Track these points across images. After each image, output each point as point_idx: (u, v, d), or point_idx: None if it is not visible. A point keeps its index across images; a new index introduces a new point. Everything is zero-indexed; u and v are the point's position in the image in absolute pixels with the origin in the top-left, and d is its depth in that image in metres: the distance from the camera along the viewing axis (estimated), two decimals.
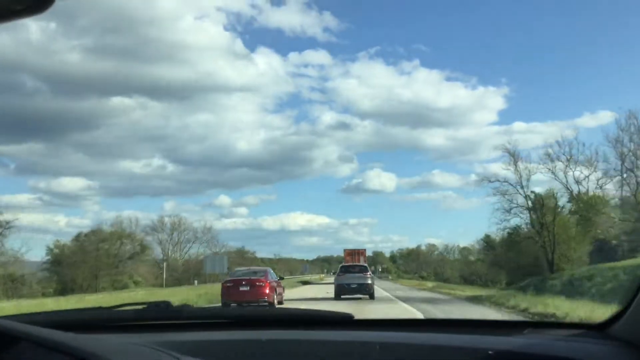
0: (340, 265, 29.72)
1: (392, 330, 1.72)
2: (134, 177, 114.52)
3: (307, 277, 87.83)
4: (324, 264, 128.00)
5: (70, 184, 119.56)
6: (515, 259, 47.07)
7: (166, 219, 70.08)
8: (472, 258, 76.80)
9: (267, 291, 19.24)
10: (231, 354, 1.45)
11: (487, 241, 64.63)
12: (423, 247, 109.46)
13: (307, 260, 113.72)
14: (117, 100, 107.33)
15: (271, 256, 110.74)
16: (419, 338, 1.60)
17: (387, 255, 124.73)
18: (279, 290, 20.88)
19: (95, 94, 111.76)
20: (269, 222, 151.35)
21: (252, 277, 19.94)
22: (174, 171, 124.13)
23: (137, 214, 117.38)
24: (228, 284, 20.00)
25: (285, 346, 1.52)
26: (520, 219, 47.01)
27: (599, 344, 1.48)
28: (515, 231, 47.81)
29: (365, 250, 68.24)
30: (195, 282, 55.75)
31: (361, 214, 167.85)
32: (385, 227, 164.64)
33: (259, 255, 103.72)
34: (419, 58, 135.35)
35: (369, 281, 24.75)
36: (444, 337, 1.60)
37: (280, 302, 20.23)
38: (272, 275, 21.02)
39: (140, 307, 1.77)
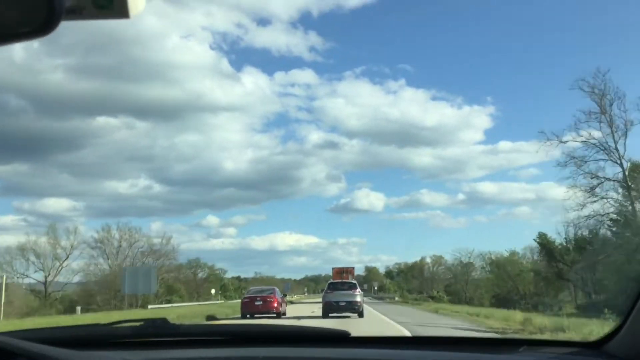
0: (329, 282, 28.78)
1: (387, 348, 1.72)
2: (120, 198, 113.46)
3: (288, 297, 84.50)
4: (310, 283, 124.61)
5: (56, 204, 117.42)
6: (612, 262, 30.02)
7: (114, 230, 61.76)
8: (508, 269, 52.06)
9: (275, 305, 25.73)
10: None
11: (545, 243, 43.71)
12: (428, 260, 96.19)
13: (291, 279, 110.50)
14: (102, 120, 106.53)
15: (252, 275, 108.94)
16: (414, 356, 1.60)
17: (382, 271, 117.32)
18: (283, 304, 27.67)
19: (80, 114, 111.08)
20: (258, 242, 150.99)
21: (264, 294, 26.64)
22: (161, 191, 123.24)
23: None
24: (246, 300, 26.63)
25: None
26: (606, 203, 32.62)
27: None
28: (610, 222, 32.96)
29: (353, 268, 68.43)
30: (78, 309, 40.15)
31: (350, 233, 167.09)
32: (374, 246, 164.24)
33: (244, 274, 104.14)
34: (405, 77, 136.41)
35: (358, 299, 24.17)
36: (440, 354, 1.60)
37: (284, 313, 26.66)
38: (278, 293, 27.65)
39: (137, 324, 1.76)
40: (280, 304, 26.30)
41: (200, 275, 79.05)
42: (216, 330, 1.86)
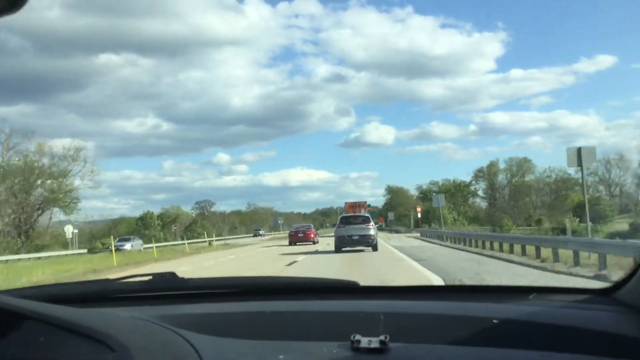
0: (341, 216, 28.72)
1: (397, 299, 1.72)
2: (129, 137, 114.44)
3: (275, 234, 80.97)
4: (319, 217, 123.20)
5: (66, 145, 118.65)
6: None
7: None
8: None
9: (312, 236, 37.51)
10: (235, 327, 1.45)
11: None
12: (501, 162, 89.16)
13: (277, 214, 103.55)
14: (104, 58, 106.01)
15: (243, 208, 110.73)
16: (423, 306, 1.60)
17: (414, 193, 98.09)
18: (317, 236, 38.85)
19: (81, 52, 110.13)
20: (270, 179, 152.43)
21: (304, 229, 39.20)
22: (169, 130, 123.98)
23: (135, 174, 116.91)
24: (292, 233, 39.07)
25: (288, 319, 1.53)
26: None
27: (604, 309, 1.48)
28: None
29: (365, 202, 69.14)
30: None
31: (362, 167, 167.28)
32: (387, 180, 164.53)
33: (223, 208, 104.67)
34: (412, 4, 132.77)
35: (372, 232, 23.98)
36: (448, 305, 1.60)
37: (317, 242, 36.66)
38: (313, 228, 40.60)
39: (145, 278, 1.77)
40: (315, 235, 38.35)
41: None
42: (225, 283, 1.87)
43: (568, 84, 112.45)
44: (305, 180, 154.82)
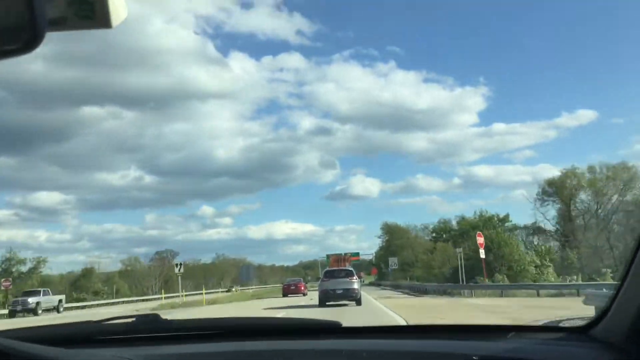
0: (325, 270, 28.69)
1: (379, 338, 1.75)
2: (112, 190, 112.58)
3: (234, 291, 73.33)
4: (301, 270, 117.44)
5: (47, 198, 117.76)
6: None
7: None
8: None
9: (302, 288, 42.75)
10: None
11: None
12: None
13: (251, 263, 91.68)
14: (87, 110, 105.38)
15: (210, 260, 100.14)
16: (405, 345, 1.62)
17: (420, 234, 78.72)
18: (305, 289, 43.29)
19: (64, 104, 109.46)
20: (254, 231, 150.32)
21: (295, 282, 45.27)
22: (152, 182, 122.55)
23: (117, 227, 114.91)
24: (285, 286, 44.42)
25: (272, 357, 1.54)
26: None
27: (581, 346, 1.51)
28: None
29: (349, 255, 68.95)
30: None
31: (347, 220, 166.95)
32: (373, 233, 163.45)
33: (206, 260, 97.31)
34: (395, 59, 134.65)
35: (355, 286, 23.82)
36: (430, 343, 1.63)
37: (306, 294, 40.52)
38: (302, 281, 47.40)
39: (128, 320, 1.78)
40: (305, 288, 43.35)
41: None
42: (207, 324, 1.87)
43: (551, 137, 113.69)
44: (290, 234, 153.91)
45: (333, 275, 24.99)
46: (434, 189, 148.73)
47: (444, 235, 64.03)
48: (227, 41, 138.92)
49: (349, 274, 24.72)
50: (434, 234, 69.60)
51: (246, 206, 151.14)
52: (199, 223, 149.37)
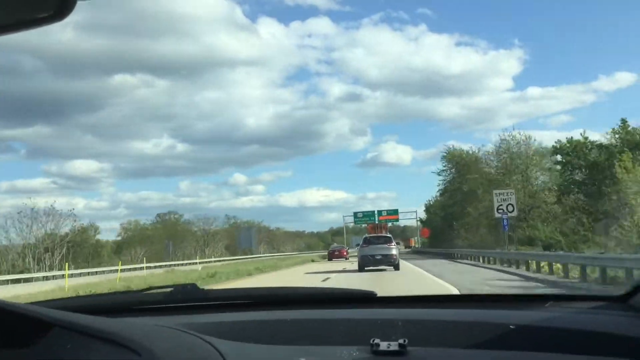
0: (364, 236, 29.85)
1: (414, 307, 1.74)
2: (145, 158, 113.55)
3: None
4: (329, 236, 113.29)
5: (83, 166, 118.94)
6: None
7: None
8: None
9: (345, 253, 49.50)
10: (256, 333, 1.48)
11: None
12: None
13: (253, 226, 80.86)
14: (119, 79, 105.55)
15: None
16: (440, 314, 1.62)
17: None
18: (348, 254, 49.90)
19: (96, 73, 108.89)
20: (287, 199, 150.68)
21: (339, 249, 52.33)
22: (185, 150, 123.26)
23: (152, 194, 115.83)
24: (330, 251, 52.20)
25: (308, 326, 1.55)
26: None
27: (621, 315, 1.49)
28: None
29: (387, 224, 68.73)
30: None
31: (379, 187, 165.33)
32: (405, 200, 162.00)
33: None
34: (425, 22, 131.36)
35: (394, 252, 24.77)
36: (466, 312, 1.62)
37: (347, 258, 46.86)
38: (345, 247, 53.64)
39: (167, 290, 1.82)
40: (347, 253, 50.06)
41: None
42: (244, 294, 1.90)
43: (587, 102, 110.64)
44: (323, 201, 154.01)
45: (372, 241, 25.94)
46: None
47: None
48: (255, 6, 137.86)
49: (387, 240, 25.71)
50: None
51: (278, 174, 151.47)
52: (232, 191, 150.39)
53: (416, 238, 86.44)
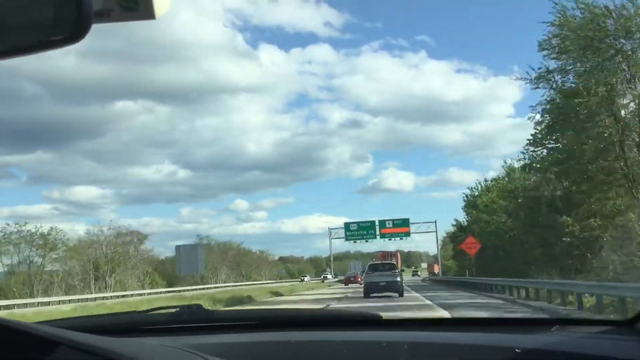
0: (369, 264, 30.92)
1: (420, 330, 1.74)
2: (146, 184, 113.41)
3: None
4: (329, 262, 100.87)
5: (85, 192, 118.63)
6: None
7: None
8: None
9: (359, 279, 46.51)
10: (261, 355, 1.48)
11: None
12: None
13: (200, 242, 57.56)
14: (120, 105, 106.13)
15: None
16: (446, 337, 1.61)
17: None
18: (361, 279, 40.23)
19: (97, 99, 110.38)
20: (289, 225, 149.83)
21: (353, 275, 54.04)
22: (186, 176, 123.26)
23: (154, 220, 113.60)
24: (346, 277, 56.18)
25: (313, 347, 1.55)
26: None
27: (628, 340, 1.48)
28: None
29: (397, 252, 67.71)
30: None
31: (381, 213, 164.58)
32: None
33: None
34: (425, 49, 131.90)
35: (398, 279, 25.53)
36: (471, 336, 1.61)
37: (361, 284, 33.94)
38: (360, 274, 48.44)
39: (172, 310, 1.82)
40: (361, 279, 41.89)
41: None
42: (249, 315, 1.90)
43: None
44: (324, 227, 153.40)
45: (377, 268, 27.14)
46: (469, 182, 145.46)
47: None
48: (256, 34, 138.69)
49: (391, 267, 26.88)
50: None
51: (280, 200, 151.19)
52: (233, 217, 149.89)
53: (438, 256, 68.92)
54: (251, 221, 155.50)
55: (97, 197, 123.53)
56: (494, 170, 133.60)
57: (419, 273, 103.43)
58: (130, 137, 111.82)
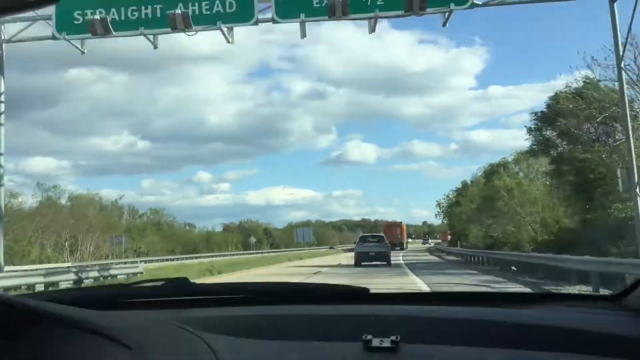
0: (360, 235, 33.31)
1: (408, 304, 1.74)
2: (105, 155, 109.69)
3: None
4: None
5: (41, 163, 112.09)
6: None
7: None
8: None
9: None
10: (249, 328, 1.47)
11: None
12: None
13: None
14: (74, 72, 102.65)
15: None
16: (434, 311, 1.61)
17: None
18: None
19: (50, 67, 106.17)
20: (253, 197, 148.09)
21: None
22: (146, 147, 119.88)
23: (113, 193, 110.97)
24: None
25: (301, 321, 1.55)
26: None
27: (613, 314, 1.49)
28: None
29: (401, 222, 69.15)
30: None
31: (345, 185, 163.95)
32: (371, 198, 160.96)
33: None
34: (388, 19, 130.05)
35: (386, 249, 27.81)
36: (460, 310, 1.61)
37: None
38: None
39: (158, 283, 1.80)
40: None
41: None
42: (235, 288, 1.89)
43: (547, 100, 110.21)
44: (289, 199, 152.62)
45: (367, 240, 29.38)
46: (431, 154, 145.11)
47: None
48: None
49: (380, 239, 29.12)
50: None
51: (244, 172, 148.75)
52: (196, 189, 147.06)
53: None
54: (215, 193, 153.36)
55: (54, 169, 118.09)
56: (456, 143, 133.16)
57: (428, 241, 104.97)
58: (86, 106, 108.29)
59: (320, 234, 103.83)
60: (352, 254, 32.68)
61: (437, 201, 68.77)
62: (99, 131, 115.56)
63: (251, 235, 70.59)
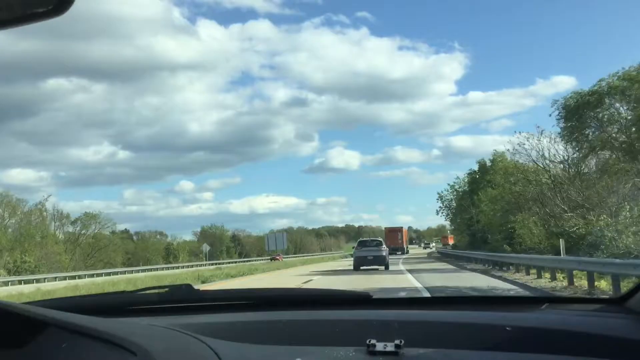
0: (359, 240, 33.76)
1: (410, 309, 1.74)
2: (86, 166, 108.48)
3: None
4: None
5: (20, 175, 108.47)
6: None
7: None
8: None
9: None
10: (252, 334, 1.48)
11: None
12: None
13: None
14: (53, 83, 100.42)
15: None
16: (437, 315, 1.61)
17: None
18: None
19: (27, 77, 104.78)
20: (236, 206, 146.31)
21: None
22: (127, 157, 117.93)
23: (96, 203, 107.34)
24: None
25: (304, 326, 1.55)
26: None
27: (617, 317, 1.49)
28: None
29: (402, 227, 68.97)
30: None
31: (329, 192, 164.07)
32: (355, 205, 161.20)
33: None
34: (366, 26, 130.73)
35: (384, 253, 28.08)
36: (462, 314, 1.62)
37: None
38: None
39: (162, 290, 1.81)
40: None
41: None
42: (240, 295, 1.90)
43: (527, 106, 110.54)
44: (273, 207, 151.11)
45: (365, 244, 29.76)
46: (414, 160, 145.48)
47: None
48: (193, 8, 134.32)
49: (378, 244, 29.45)
50: None
51: (226, 180, 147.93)
52: (179, 198, 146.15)
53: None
54: (197, 202, 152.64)
55: (33, 180, 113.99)
56: (438, 149, 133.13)
57: (430, 245, 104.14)
58: (65, 117, 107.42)
59: (298, 241, 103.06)
60: (320, 268, 33.29)
61: (438, 193, 59.21)
62: (79, 142, 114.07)
63: (204, 243, 63.55)
